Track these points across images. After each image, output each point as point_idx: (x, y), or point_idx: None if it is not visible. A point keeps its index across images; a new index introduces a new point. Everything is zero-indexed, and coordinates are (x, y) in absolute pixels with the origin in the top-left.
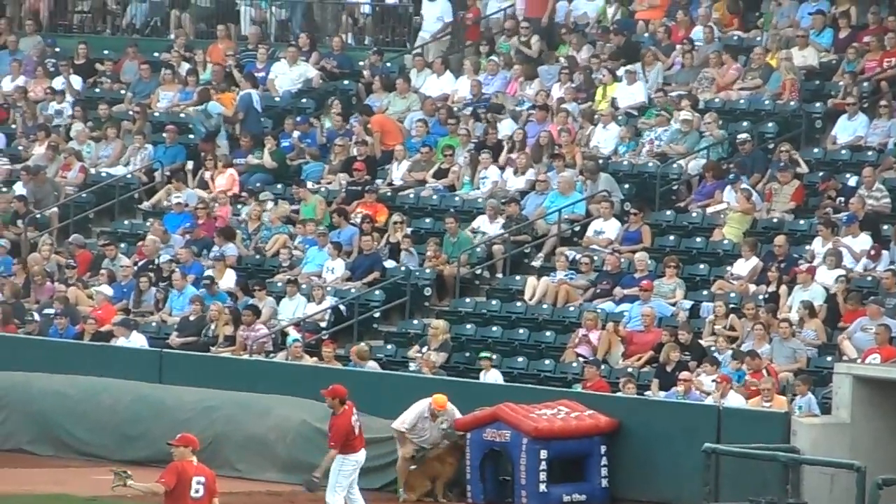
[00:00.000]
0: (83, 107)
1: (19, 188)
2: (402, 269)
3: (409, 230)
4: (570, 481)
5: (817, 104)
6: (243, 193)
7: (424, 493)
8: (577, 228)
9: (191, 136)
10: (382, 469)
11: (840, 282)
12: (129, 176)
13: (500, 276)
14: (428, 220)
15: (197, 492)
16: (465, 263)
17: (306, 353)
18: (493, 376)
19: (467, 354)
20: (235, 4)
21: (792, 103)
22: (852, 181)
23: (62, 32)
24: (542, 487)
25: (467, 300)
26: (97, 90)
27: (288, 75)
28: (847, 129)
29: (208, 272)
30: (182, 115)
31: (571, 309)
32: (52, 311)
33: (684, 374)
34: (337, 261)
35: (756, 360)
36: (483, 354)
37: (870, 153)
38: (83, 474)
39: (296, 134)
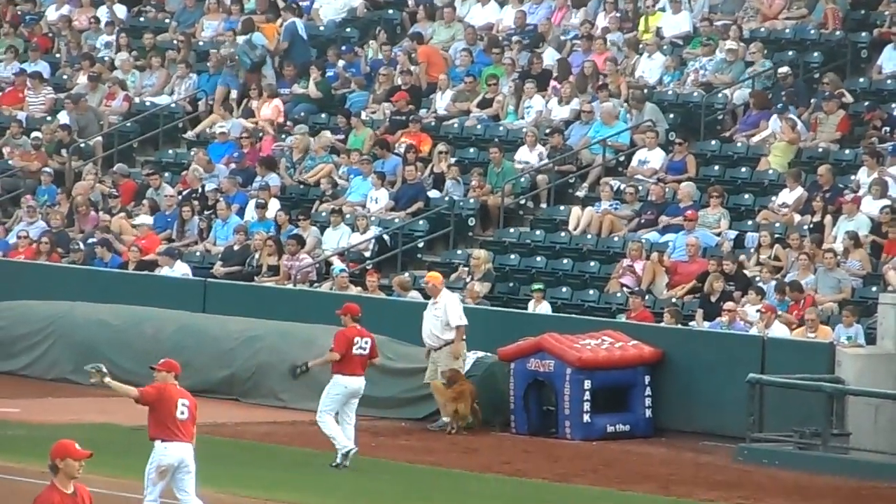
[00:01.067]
0: (127, 36)
1: (63, 117)
2: (446, 199)
3: (453, 160)
4: (614, 411)
5: (863, 33)
6: (288, 123)
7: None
8: (621, 158)
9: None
10: (426, 399)
11: (885, 212)
12: (173, 105)
13: (544, 205)
14: (472, 149)
15: (182, 413)
16: (509, 193)
17: (350, 282)
18: (543, 308)
19: (511, 285)
20: None
21: (837, 33)
22: None
23: None
24: (586, 418)
25: (511, 230)
26: (141, 19)
27: (332, 4)
28: (893, 59)
29: (254, 201)
30: (227, 45)
31: (616, 239)
32: (95, 240)
33: (728, 305)
34: (381, 190)
35: (799, 291)
36: (535, 286)
37: None
38: (127, 403)
39: (340, 63)
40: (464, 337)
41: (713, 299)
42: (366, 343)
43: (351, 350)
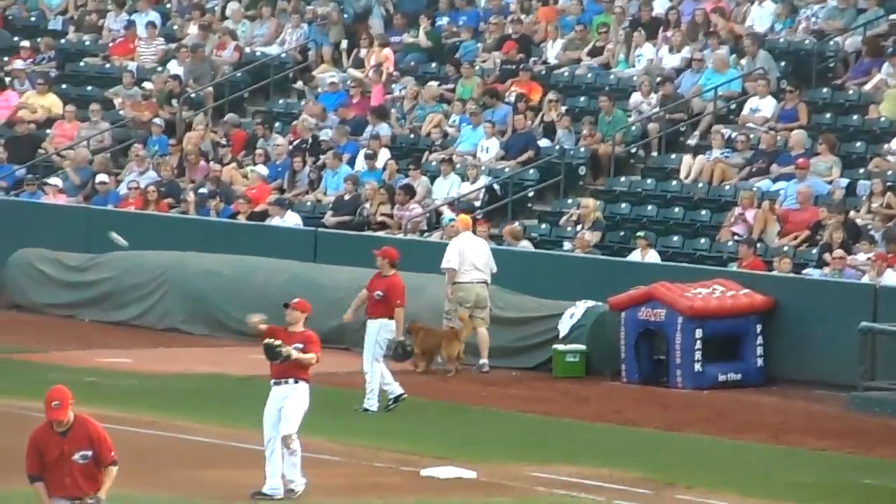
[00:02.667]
0: None
1: (174, 67)
2: (557, 147)
3: (563, 109)
4: (726, 360)
5: None
6: (397, 72)
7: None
8: (732, 106)
9: (345, 15)
10: (536, 348)
11: None
12: (283, 55)
13: (655, 154)
14: (582, 98)
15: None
16: (619, 142)
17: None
18: (650, 256)
19: (622, 234)
20: None
21: None
22: None
23: None
24: (698, 367)
25: (622, 179)
26: None
27: None
28: None
29: (364, 150)
30: None
31: (727, 187)
32: (206, 190)
33: (840, 253)
34: (491, 140)
35: None
36: (639, 234)
37: None
38: (238, 354)
39: (450, 12)
40: (454, 281)
41: (832, 249)
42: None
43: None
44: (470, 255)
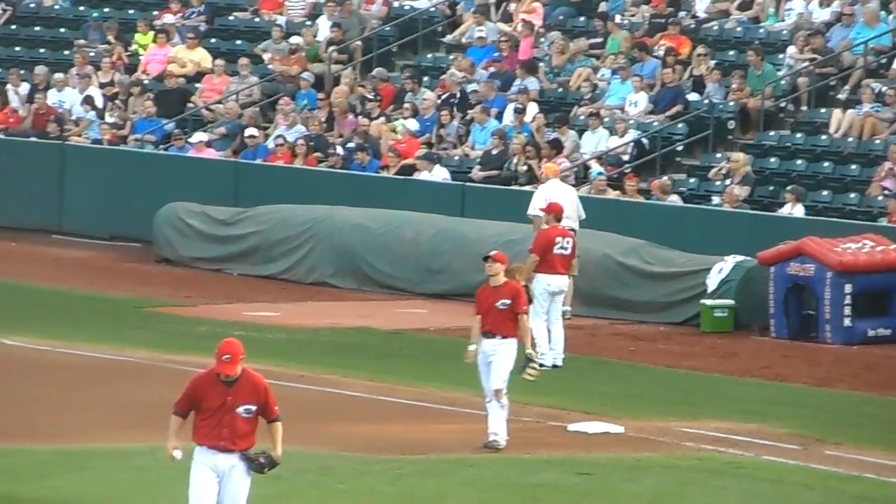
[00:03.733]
0: None
1: (323, 22)
2: (706, 102)
3: (712, 63)
4: (875, 316)
5: None
6: (545, 27)
7: None
8: (883, 60)
9: None
10: (685, 303)
11: None
12: (432, 9)
13: (804, 108)
14: (732, 52)
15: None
16: (769, 96)
17: (608, 186)
18: (798, 211)
19: (771, 188)
20: None
21: None
22: None
23: None
24: (847, 322)
25: (771, 133)
26: None
27: None
28: None
29: (512, 105)
30: None
31: (877, 142)
32: (354, 144)
33: None
34: (640, 94)
35: None
36: (788, 189)
37: None
38: (386, 308)
39: None
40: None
41: None
42: (567, 243)
43: (551, 250)
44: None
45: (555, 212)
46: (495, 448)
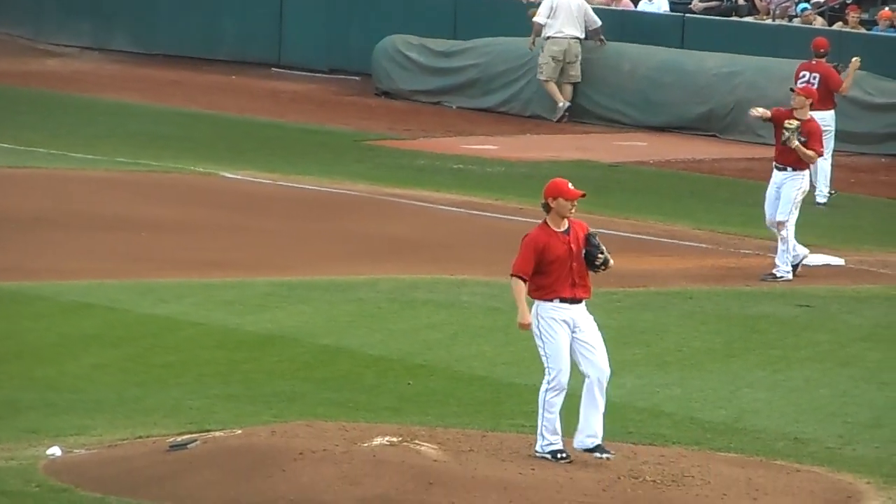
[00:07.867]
0: None
1: None
2: None
3: None
4: None
5: None
6: None
7: None
8: None
9: None
10: None
11: None
12: None
13: None
14: None
15: None
16: None
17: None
18: None
19: None
20: None
21: None
22: None
23: None
24: None
25: None
26: None
27: None
28: None
29: None
30: None
31: None
32: None
33: None
34: None
35: None
36: None
37: None
38: (605, 140)
39: None
40: (548, 36)
41: None
42: (814, 78)
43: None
44: (563, 12)
45: (819, 47)
46: (773, 279)
